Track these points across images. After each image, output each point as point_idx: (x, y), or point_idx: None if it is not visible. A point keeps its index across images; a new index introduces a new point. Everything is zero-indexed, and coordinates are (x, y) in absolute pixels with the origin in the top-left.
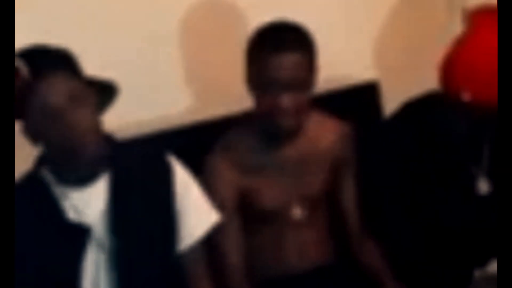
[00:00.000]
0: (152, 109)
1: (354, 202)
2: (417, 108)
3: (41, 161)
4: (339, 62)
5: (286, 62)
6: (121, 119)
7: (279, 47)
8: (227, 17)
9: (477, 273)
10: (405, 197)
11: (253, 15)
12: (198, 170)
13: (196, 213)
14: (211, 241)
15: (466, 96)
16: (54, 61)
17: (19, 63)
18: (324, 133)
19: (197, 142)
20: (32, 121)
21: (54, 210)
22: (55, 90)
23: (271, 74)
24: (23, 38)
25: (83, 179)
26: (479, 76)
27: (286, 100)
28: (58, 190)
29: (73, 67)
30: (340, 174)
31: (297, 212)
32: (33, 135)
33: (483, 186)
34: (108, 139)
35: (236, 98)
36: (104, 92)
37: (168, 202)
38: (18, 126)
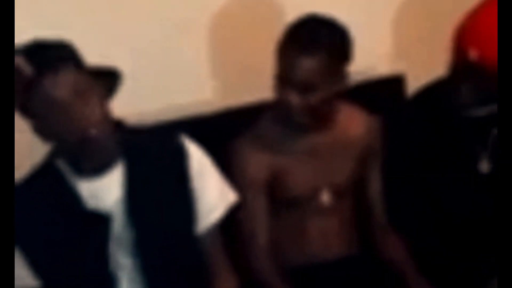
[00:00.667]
0: (178, 96)
1: (379, 194)
2: (428, 91)
3: (55, 153)
4: (365, 54)
5: (301, 65)
6: (146, 106)
7: (297, 50)
8: (256, 5)
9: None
10: (417, 181)
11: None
12: (224, 157)
13: (213, 194)
14: (236, 221)
15: (473, 54)
16: (55, 56)
17: (20, 60)
18: (353, 125)
19: (222, 130)
20: (40, 118)
21: (72, 199)
22: (60, 85)
23: (284, 74)
24: (29, 26)
25: (98, 169)
26: (486, 32)
27: (295, 100)
28: (73, 180)
29: (75, 60)
30: (367, 165)
31: (325, 198)
32: (44, 132)
33: (485, 166)
34: (119, 126)
35: (264, 86)
36: (109, 80)
37: (185, 184)
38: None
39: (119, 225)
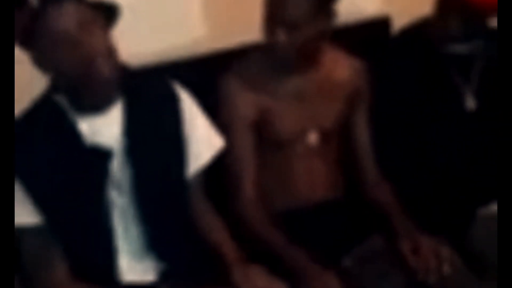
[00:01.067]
0: (166, 38)
1: (367, 137)
2: (412, 30)
3: (55, 88)
4: None
5: (289, 1)
6: (135, 48)
7: None
8: None
9: (480, 212)
10: (404, 122)
11: None
12: (212, 99)
13: (202, 139)
14: (224, 163)
15: None
16: None
17: None
18: (339, 68)
19: (212, 71)
20: (43, 49)
21: (73, 135)
22: (65, 15)
23: (270, 11)
24: None
25: (98, 105)
26: None
27: (282, 38)
28: (73, 115)
29: None
30: (354, 108)
31: (312, 139)
32: (45, 65)
33: (471, 103)
34: (121, 67)
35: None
36: (108, 13)
37: (178, 127)
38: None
39: (117, 163)
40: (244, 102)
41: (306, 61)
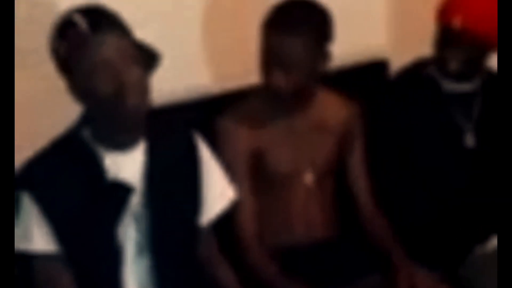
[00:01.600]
0: (168, 81)
1: (364, 177)
2: (411, 70)
3: (82, 123)
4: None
5: (283, 44)
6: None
7: (281, 29)
8: None
9: (477, 249)
10: (404, 159)
11: None
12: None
13: (216, 189)
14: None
15: (456, 22)
16: (111, 18)
17: (77, 16)
18: (333, 109)
19: (212, 115)
20: (81, 76)
21: (96, 169)
22: (112, 45)
23: (268, 52)
24: None
25: (124, 143)
26: (468, 1)
27: (281, 80)
28: (98, 151)
29: (126, 28)
30: (347, 150)
31: (308, 178)
32: (80, 91)
33: (470, 140)
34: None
35: (251, 71)
36: (149, 58)
37: (195, 175)
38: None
39: (136, 201)
40: (241, 139)
41: (301, 102)
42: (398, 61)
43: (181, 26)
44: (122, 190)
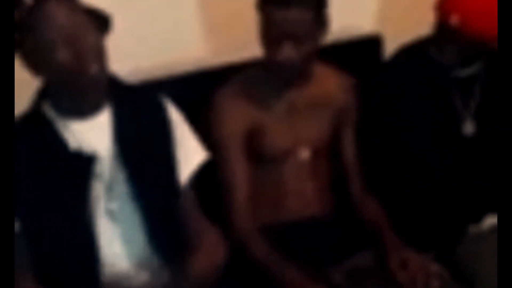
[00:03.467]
0: (164, 54)
1: (355, 155)
2: (409, 51)
3: (41, 96)
4: (343, 14)
5: (289, 16)
6: (132, 64)
7: (286, 2)
8: None
9: (471, 229)
10: (398, 141)
11: None
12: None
13: (189, 147)
14: (217, 175)
15: (454, 19)
16: None
17: None
18: (328, 84)
19: (212, 87)
20: (36, 48)
21: (57, 142)
22: (62, 14)
23: (273, 26)
24: None
25: (86, 111)
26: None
27: (286, 51)
28: (60, 123)
29: None
30: (342, 126)
31: (303, 155)
32: (36, 65)
33: (469, 127)
34: (111, 75)
35: (248, 45)
36: (101, 22)
37: (167, 134)
38: None
39: (108, 168)
40: (236, 117)
41: (302, 76)
42: (392, 38)
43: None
44: (84, 160)
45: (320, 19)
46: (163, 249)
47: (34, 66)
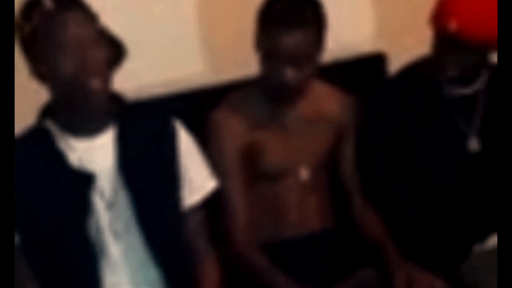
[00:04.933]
0: (163, 72)
1: (354, 170)
2: (411, 69)
3: (45, 112)
4: (347, 32)
5: (292, 39)
6: (133, 81)
7: (287, 24)
8: None
9: (476, 248)
10: (403, 162)
11: None
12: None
13: (197, 176)
14: (218, 201)
15: (453, 25)
16: (76, 0)
17: None
18: (327, 102)
19: (206, 106)
20: (46, 55)
21: (58, 159)
22: (76, 24)
23: (276, 49)
24: None
25: (90, 130)
26: (463, 3)
27: (290, 73)
28: (62, 141)
29: (92, 12)
30: (341, 142)
31: (303, 174)
32: (44, 72)
33: (474, 144)
34: (117, 97)
35: (247, 63)
36: (116, 50)
37: (173, 162)
38: None
39: (109, 187)
40: (234, 138)
41: (299, 95)
42: (395, 55)
43: (177, 17)
44: (83, 178)
45: (320, 41)
46: (167, 271)
47: (41, 73)
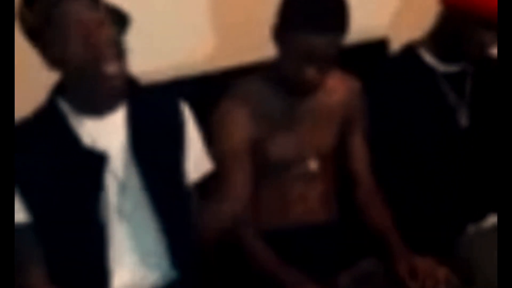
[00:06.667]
0: (173, 55)
1: (363, 159)
2: (407, 51)
3: (57, 91)
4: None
5: (320, 43)
6: (142, 65)
7: (316, 27)
8: None
9: (471, 228)
10: (398, 141)
11: None
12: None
13: (196, 157)
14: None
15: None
16: None
17: None
18: (335, 88)
19: (216, 89)
20: (54, 40)
21: (70, 138)
22: (82, 7)
23: (302, 49)
24: None
25: (101, 110)
26: None
27: (313, 74)
28: (74, 119)
29: None
30: (350, 131)
31: (312, 164)
32: (55, 57)
33: (464, 120)
34: (129, 76)
35: (259, 46)
36: (120, 20)
37: (180, 143)
38: None
39: (121, 166)
40: (241, 130)
41: (315, 91)
42: (399, 41)
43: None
44: (96, 157)
45: (341, 41)
46: (175, 252)
47: (51, 60)
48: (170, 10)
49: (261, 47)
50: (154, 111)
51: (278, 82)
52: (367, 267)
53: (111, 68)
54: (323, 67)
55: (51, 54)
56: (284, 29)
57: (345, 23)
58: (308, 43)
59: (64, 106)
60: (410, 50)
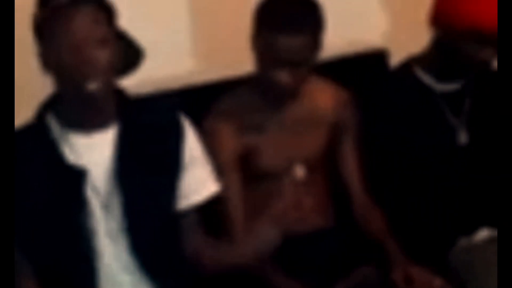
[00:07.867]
0: (156, 69)
1: (356, 168)
2: (402, 69)
3: (46, 107)
4: (349, 28)
5: (290, 44)
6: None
7: (286, 28)
8: None
9: (463, 241)
10: (397, 156)
11: None
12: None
13: (200, 178)
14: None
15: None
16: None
17: None
18: (323, 99)
19: (200, 104)
20: (52, 44)
21: (54, 154)
22: (86, 21)
23: (274, 52)
24: None
25: (90, 126)
26: None
27: (286, 77)
28: (61, 136)
29: (111, 12)
30: (339, 140)
31: (299, 172)
32: (50, 62)
33: (463, 137)
34: (121, 94)
35: (242, 61)
36: (130, 53)
37: (177, 160)
38: None
39: (104, 185)
40: (228, 142)
41: (294, 96)
42: (398, 52)
43: (169, 13)
44: (76, 174)
45: (317, 43)
46: (154, 279)
47: (45, 64)
48: (153, 24)
49: (244, 61)
50: (149, 129)
51: (261, 91)
52: (364, 276)
53: (92, 85)
54: (297, 71)
55: (46, 56)
56: (257, 34)
57: (316, 25)
58: (279, 45)
59: (52, 122)
60: (407, 68)
